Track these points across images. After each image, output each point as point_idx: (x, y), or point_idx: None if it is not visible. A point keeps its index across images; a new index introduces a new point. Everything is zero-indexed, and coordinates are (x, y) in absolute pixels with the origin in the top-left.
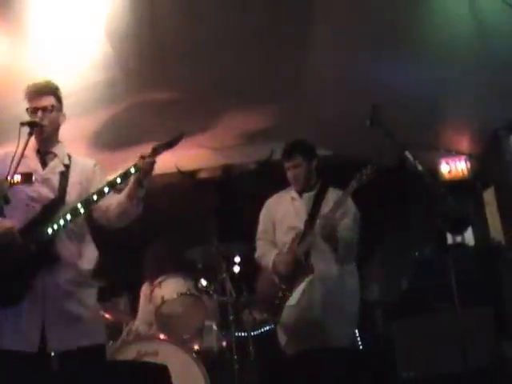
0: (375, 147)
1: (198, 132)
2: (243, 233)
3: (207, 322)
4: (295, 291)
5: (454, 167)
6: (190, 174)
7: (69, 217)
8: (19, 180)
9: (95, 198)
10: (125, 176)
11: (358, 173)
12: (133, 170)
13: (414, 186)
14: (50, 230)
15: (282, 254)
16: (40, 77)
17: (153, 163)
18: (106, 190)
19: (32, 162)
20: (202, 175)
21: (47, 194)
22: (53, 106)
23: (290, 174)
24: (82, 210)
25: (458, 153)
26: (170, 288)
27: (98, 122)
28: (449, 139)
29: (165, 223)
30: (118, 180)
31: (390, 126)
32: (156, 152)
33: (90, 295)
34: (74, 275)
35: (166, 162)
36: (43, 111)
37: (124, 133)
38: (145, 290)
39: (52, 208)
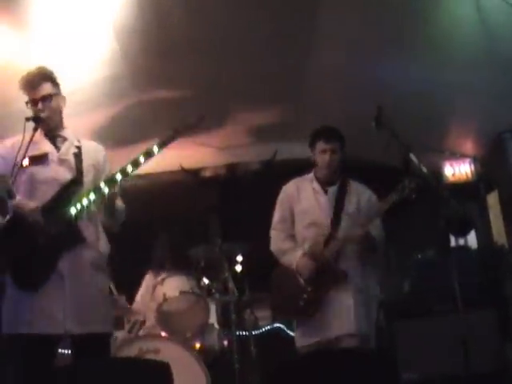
0: (380, 148)
1: (203, 130)
2: (246, 232)
3: (209, 321)
4: (342, 313)
5: (458, 170)
6: (194, 173)
7: (93, 196)
8: (31, 163)
9: (119, 176)
10: (148, 155)
11: (399, 184)
12: (156, 149)
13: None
14: (73, 210)
15: (308, 256)
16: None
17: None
18: (130, 169)
19: (45, 146)
20: (206, 174)
21: (65, 174)
22: (51, 94)
23: (323, 158)
24: (105, 190)
25: (462, 155)
26: (172, 286)
27: (105, 117)
28: (453, 142)
29: (168, 221)
30: (141, 159)
31: (394, 127)
32: (177, 133)
33: (107, 282)
34: (95, 257)
35: (171, 160)
36: (43, 102)
37: (130, 129)
38: (148, 279)
39: (71, 188)
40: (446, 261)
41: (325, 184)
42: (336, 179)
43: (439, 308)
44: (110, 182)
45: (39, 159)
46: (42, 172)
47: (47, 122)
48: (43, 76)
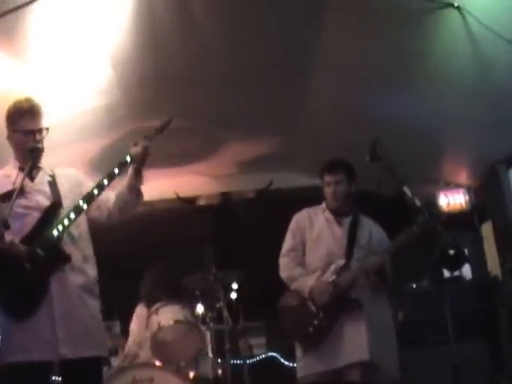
0: (376, 178)
1: (197, 159)
2: (241, 260)
3: (203, 350)
4: (356, 341)
5: (452, 200)
6: (189, 201)
7: (72, 215)
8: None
9: (96, 191)
10: (121, 166)
11: (419, 217)
12: (128, 159)
13: (411, 219)
14: (55, 232)
15: (321, 281)
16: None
17: (146, 149)
18: (106, 182)
19: (18, 179)
20: (201, 202)
21: (43, 201)
22: (46, 128)
23: (329, 190)
24: (84, 206)
25: (456, 185)
26: (166, 315)
27: (100, 146)
28: (448, 172)
29: (162, 248)
30: (116, 171)
31: (389, 160)
32: (148, 139)
33: (97, 306)
34: (84, 281)
35: (166, 188)
36: (40, 133)
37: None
38: (139, 311)
39: (52, 212)
40: (439, 291)
41: (338, 215)
42: (349, 210)
43: (433, 338)
44: (89, 198)
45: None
46: (20, 203)
47: (41, 153)
48: (39, 108)
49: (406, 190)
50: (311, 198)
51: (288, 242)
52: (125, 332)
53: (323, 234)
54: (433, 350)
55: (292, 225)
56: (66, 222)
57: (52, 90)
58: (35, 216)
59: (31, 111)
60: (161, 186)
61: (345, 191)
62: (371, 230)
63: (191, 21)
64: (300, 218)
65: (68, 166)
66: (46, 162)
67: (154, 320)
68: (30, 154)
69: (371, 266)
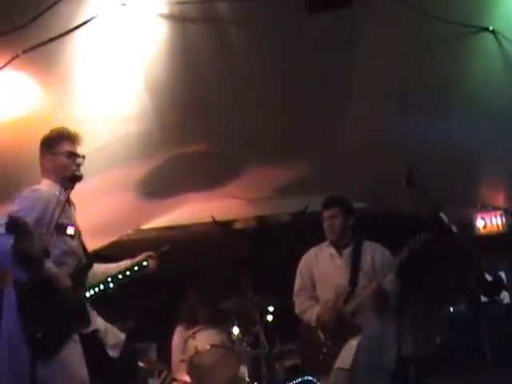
0: (411, 201)
1: (234, 183)
2: (277, 284)
3: (239, 374)
4: (344, 352)
5: (489, 222)
6: (225, 224)
7: (101, 287)
8: (72, 233)
9: (121, 276)
10: (139, 267)
11: (411, 239)
12: (145, 264)
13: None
14: (87, 294)
15: (327, 309)
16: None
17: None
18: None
19: (71, 213)
20: (237, 226)
21: (80, 248)
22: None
23: (325, 224)
24: (111, 285)
25: (493, 208)
26: (203, 339)
27: (134, 173)
28: (485, 194)
29: (199, 272)
30: (128, 273)
31: (425, 185)
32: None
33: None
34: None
35: (202, 212)
36: (80, 158)
37: (161, 183)
38: (177, 334)
39: (85, 266)
40: (476, 315)
41: (339, 247)
42: (349, 241)
43: (470, 364)
44: (117, 280)
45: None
46: (69, 244)
47: (79, 181)
48: (80, 136)
49: (443, 216)
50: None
51: (297, 283)
52: (161, 354)
53: (328, 268)
54: (469, 375)
55: (300, 265)
56: (96, 290)
57: (88, 116)
58: (74, 261)
59: (73, 136)
60: (197, 209)
61: (341, 224)
62: (374, 254)
63: (225, 48)
64: (307, 258)
65: (106, 190)
66: (85, 187)
67: (190, 344)
68: (68, 181)
69: (368, 291)
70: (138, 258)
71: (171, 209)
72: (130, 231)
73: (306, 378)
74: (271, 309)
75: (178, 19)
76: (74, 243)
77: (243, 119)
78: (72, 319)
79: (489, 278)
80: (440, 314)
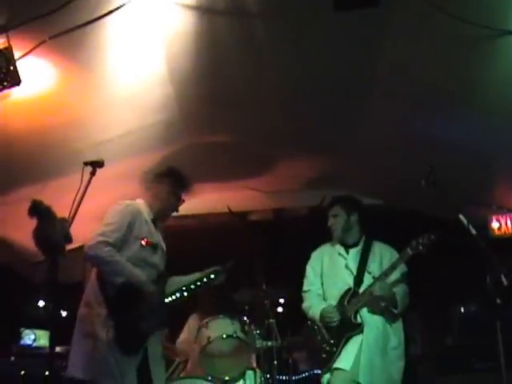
0: (428, 201)
1: (251, 175)
2: (291, 277)
3: (250, 365)
4: (345, 352)
5: (504, 224)
6: (241, 216)
7: (178, 294)
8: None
9: (194, 286)
10: (208, 279)
11: (414, 240)
12: (212, 277)
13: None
14: (166, 300)
15: (330, 307)
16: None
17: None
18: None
19: (152, 230)
20: (253, 217)
21: (162, 261)
22: None
23: (329, 223)
24: (185, 293)
25: (509, 210)
26: (216, 329)
27: (153, 161)
28: (500, 196)
29: (213, 262)
30: (199, 283)
31: (444, 186)
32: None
33: None
34: None
35: (219, 202)
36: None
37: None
38: (191, 323)
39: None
40: (489, 316)
41: (346, 246)
42: (357, 240)
43: (481, 365)
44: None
45: (152, 246)
46: (151, 257)
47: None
48: None
49: (462, 218)
50: (362, 216)
51: (306, 280)
52: (171, 340)
53: (335, 266)
54: (481, 377)
55: (309, 262)
56: (173, 297)
57: (112, 105)
58: (154, 272)
59: (190, 192)
60: (213, 199)
61: (342, 223)
62: (382, 256)
63: (250, 44)
64: (316, 255)
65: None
66: (106, 173)
67: (203, 333)
68: (166, 215)
69: (372, 291)
70: (207, 271)
71: (188, 197)
72: None
73: (314, 371)
74: (282, 301)
75: (205, 11)
76: (147, 254)
77: (264, 114)
78: (155, 320)
79: (505, 281)
80: (451, 315)
